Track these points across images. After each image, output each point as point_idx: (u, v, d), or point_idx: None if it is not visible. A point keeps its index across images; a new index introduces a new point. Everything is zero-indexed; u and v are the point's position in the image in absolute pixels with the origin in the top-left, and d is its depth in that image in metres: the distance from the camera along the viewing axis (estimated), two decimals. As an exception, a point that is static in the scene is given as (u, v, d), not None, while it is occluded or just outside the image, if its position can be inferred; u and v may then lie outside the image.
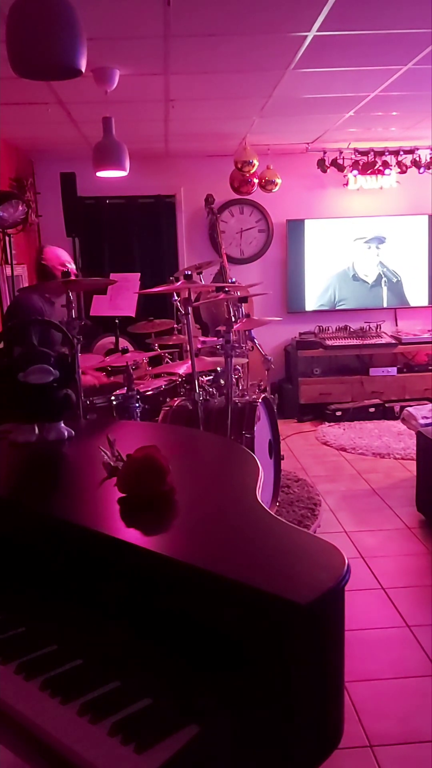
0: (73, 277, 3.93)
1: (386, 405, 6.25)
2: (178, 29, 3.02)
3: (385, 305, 6.75)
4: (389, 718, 2.24)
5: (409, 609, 2.93)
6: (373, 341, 6.44)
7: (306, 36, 3.16)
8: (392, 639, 2.72)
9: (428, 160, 6.24)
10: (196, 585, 1.14)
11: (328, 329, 6.61)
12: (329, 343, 6.40)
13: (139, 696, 1.11)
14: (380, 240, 6.63)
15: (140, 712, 1.08)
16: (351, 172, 6.28)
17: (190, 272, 3.44)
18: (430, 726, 2.19)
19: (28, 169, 6.01)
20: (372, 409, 6.22)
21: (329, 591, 1.04)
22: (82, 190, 5.50)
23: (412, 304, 6.76)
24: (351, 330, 6.58)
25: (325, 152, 6.21)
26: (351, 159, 6.25)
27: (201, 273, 5.22)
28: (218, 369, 3.86)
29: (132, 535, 1.31)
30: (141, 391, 3.68)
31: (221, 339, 3.53)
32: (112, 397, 3.60)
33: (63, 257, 4.10)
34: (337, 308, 6.69)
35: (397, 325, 6.81)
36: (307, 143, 6.05)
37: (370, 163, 6.24)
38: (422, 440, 3.89)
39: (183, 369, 3.82)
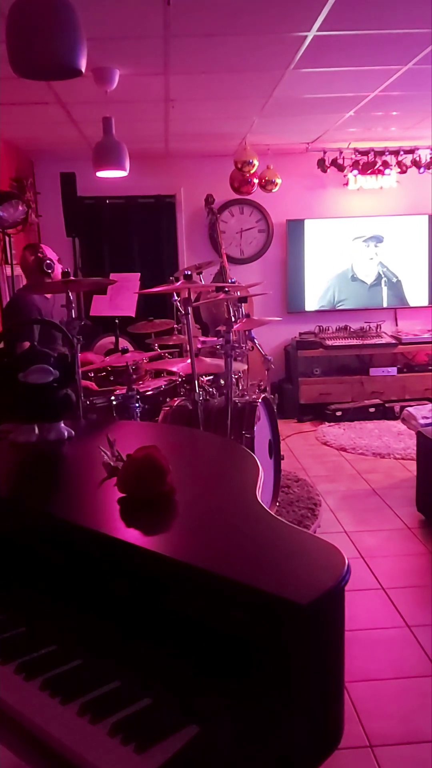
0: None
1: (386, 405, 6.25)
2: (178, 29, 3.02)
3: (385, 305, 6.75)
4: (389, 718, 2.24)
5: (409, 609, 2.92)
6: (373, 341, 6.44)
7: (306, 36, 3.16)
8: (392, 639, 2.72)
9: (428, 160, 6.24)
10: (196, 585, 1.14)
11: (328, 329, 6.61)
12: (329, 343, 6.40)
13: (139, 696, 1.11)
14: (378, 239, 6.63)
15: (140, 712, 1.08)
16: (351, 172, 6.28)
17: (190, 272, 3.44)
18: (430, 726, 2.19)
19: (28, 169, 6.01)
20: (372, 409, 6.22)
21: (329, 591, 1.04)
22: (82, 190, 5.50)
23: (412, 304, 6.76)
24: (351, 330, 6.58)
25: (325, 152, 6.21)
26: (351, 159, 6.25)
27: (201, 273, 5.22)
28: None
29: (132, 535, 1.31)
30: (141, 391, 3.68)
31: (221, 339, 3.52)
32: (112, 397, 3.60)
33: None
34: (337, 308, 6.70)
35: (397, 325, 6.81)
36: (307, 143, 6.05)
37: (370, 163, 6.24)
38: (422, 440, 3.88)
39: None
